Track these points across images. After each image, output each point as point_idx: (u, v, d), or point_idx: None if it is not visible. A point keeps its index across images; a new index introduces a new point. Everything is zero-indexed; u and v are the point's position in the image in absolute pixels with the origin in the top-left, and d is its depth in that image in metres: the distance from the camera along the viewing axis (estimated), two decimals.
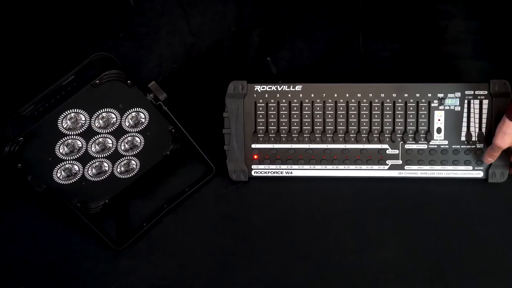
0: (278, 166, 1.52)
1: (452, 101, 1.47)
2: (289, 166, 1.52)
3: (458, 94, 1.47)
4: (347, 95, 1.48)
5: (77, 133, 1.41)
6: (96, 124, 1.42)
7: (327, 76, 1.58)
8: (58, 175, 1.43)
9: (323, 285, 1.49)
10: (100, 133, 1.44)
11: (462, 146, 1.49)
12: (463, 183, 1.52)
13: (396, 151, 1.50)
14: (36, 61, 1.58)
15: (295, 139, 1.50)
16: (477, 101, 1.47)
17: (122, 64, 1.45)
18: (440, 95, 1.47)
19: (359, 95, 1.48)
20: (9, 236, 1.55)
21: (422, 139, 1.48)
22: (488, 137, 1.47)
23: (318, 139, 1.50)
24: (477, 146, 1.48)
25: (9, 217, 1.56)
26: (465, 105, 1.47)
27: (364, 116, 1.49)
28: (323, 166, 1.51)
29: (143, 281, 1.52)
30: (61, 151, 1.41)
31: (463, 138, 1.48)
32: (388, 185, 1.52)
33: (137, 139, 1.47)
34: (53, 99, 1.40)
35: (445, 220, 1.51)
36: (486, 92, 1.46)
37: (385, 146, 1.49)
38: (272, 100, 1.50)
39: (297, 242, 1.51)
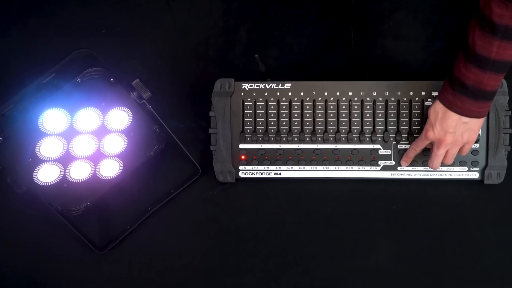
0: (266, 167, 1.55)
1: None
2: (277, 167, 1.55)
3: None
4: (338, 93, 1.52)
5: (58, 132, 1.45)
6: (78, 124, 1.46)
7: (317, 73, 1.61)
8: (39, 176, 1.46)
9: None
10: (82, 133, 1.48)
11: None
12: (458, 184, 1.56)
13: (389, 152, 1.53)
14: (15, 58, 1.62)
15: (284, 139, 1.54)
16: None
17: (105, 61, 1.48)
18: (434, 93, 1.51)
19: (350, 93, 1.52)
20: None
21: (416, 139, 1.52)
22: (483, 137, 1.51)
23: (308, 139, 1.53)
24: (473, 146, 1.51)
25: None
26: None
27: (356, 115, 1.53)
28: (313, 167, 1.54)
29: (127, 286, 1.57)
30: (41, 151, 1.45)
31: None
32: (381, 186, 1.56)
33: (120, 139, 1.51)
34: (33, 98, 1.43)
35: (439, 223, 1.55)
36: None
37: (377, 146, 1.53)
38: (260, 99, 1.53)
39: (286, 246, 1.56)
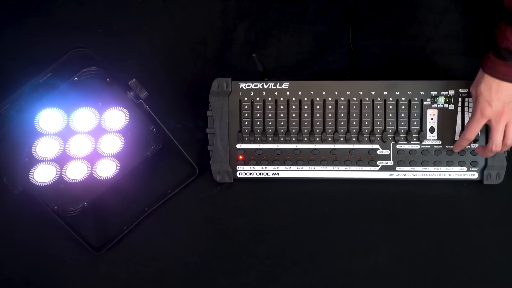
0: (264, 167, 1.56)
1: (446, 99, 1.52)
2: (275, 167, 1.56)
3: (452, 92, 1.52)
4: (336, 93, 1.53)
5: (54, 132, 1.46)
6: (74, 123, 1.47)
7: (315, 73, 1.61)
8: (35, 176, 1.47)
9: None
10: (79, 133, 1.48)
11: None
12: (457, 184, 1.56)
13: (387, 152, 1.54)
14: (11, 57, 1.62)
15: (282, 139, 1.54)
16: (471, 99, 1.51)
17: (101, 61, 1.49)
18: (433, 93, 1.52)
19: (348, 93, 1.53)
20: None
21: (415, 139, 1.53)
22: (483, 137, 1.52)
23: (306, 139, 1.54)
24: (472, 146, 1.52)
25: None
26: (459, 103, 1.52)
27: (354, 115, 1.53)
28: (311, 167, 1.55)
29: (124, 286, 1.57)
30: (37, 151, 1.45)
31: (457, 138, 1.52)
32: (379, 187, 1.57)
33: (117, 139, 1.51)
34: (29, 97, 1.44)
35: (438, 224, 1.56)
36: None
37: (376, 146, 1.54)
38: (258, 98, 1.54)
39: (284, 247, 1.57)
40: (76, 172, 1.51)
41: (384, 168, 1.55)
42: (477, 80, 1.41)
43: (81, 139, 1.49)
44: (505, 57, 1.33)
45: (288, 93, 1.54)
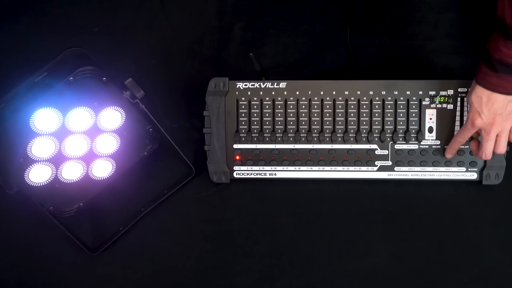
0: (261, 167, 1.56)
1: (445, 99, 1.52)
2: (272, 168, 1.56)
3: (451, 92, 1.52)
4: (334, 92, 1.53)
5: (49, 132, 1.46)
6: (70, 123, 1.46)
7: (312, 72, 1.61)
8: (30, 176, 1.47)
9: None
10: (74, 133, 1.48)
11: None
12: (456, 185, 1.56)
13: (386, 152, 1.54)
14: (7, 56, 1.62)
15: (279, 139, 1.54)
16: None
17: (97, 60, 1.48)
18: (432, 93, 1.52)
19: (346, 92, 1.53)
20: None
21: (413, 139, 1.53)
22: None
23: (303, 139, 1.54)
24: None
25: None
26: (458, 103, 1.52)
27: (352, 114, 1.53)
28: (308, 167, 1.55)
29: (120, 287, 1.58)
30: (33, 151, 1.45)
31: None
32: (377, 187, 1.57)
33: (113, 138, 1.51)
34: (25, 97, 1.44)
35: (437, 224, 1.56)
36: None
37: (374, 146, 1.54)
38: (255, 98, 1.54)
39: (281, 247, 1.57)
40: (71, 173, 1.51)
41: (382, 168, 1.55)
42: (470, 90, 1.42)
43: (77, 139, 1.49)
44: (497, 68, 1.33)
45: (285, 92, 1.54)
